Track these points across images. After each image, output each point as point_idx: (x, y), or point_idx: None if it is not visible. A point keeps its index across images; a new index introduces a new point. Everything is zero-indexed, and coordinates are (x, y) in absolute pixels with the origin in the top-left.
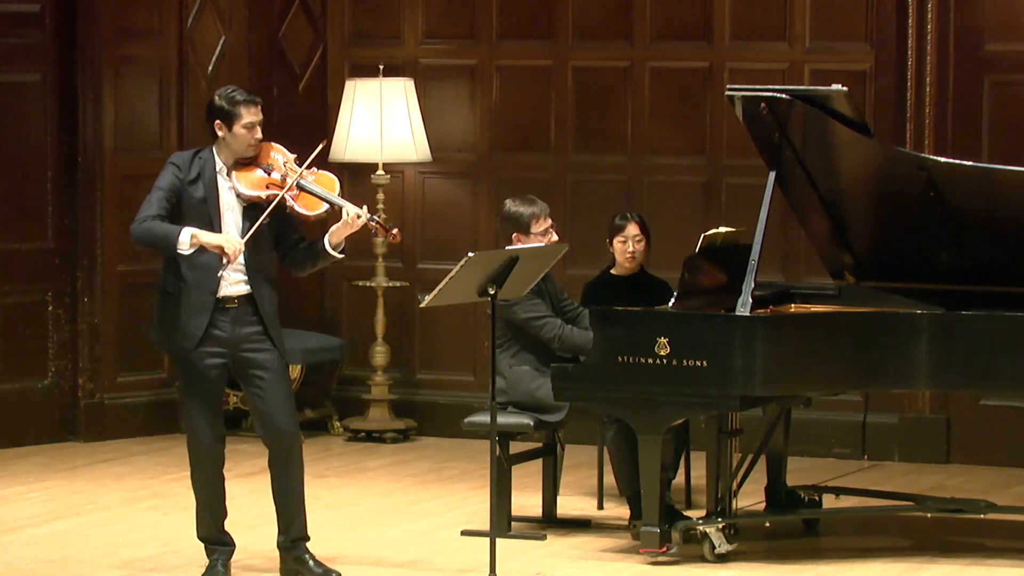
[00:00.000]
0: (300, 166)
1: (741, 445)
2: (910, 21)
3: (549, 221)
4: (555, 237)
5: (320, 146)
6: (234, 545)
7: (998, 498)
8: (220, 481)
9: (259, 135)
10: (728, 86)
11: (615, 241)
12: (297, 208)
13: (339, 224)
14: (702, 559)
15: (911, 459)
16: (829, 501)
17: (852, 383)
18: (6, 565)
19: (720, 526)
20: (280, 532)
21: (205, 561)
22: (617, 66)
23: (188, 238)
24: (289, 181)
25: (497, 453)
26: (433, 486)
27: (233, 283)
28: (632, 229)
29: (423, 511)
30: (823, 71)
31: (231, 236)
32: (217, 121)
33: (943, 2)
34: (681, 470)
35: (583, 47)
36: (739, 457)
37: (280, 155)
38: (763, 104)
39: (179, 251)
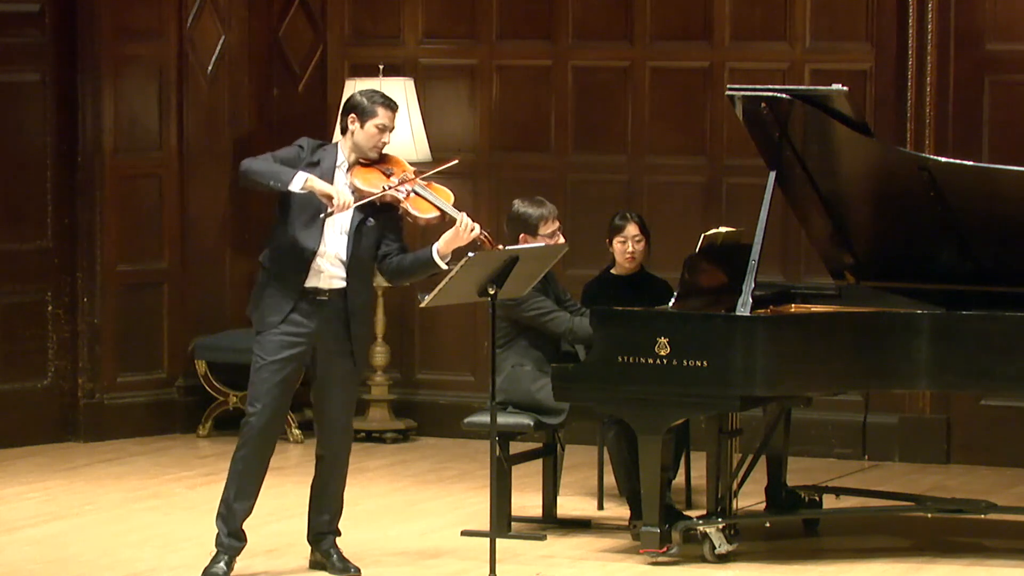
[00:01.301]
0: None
1: (741, 445)
2: (910, 21)
3: (557, 223)
4: (562, 239)
5: (453, 162)
6: (244, 543)
7: (998, 498)
8: (260, 471)
9: (387, 140)
10: (728, 86)
11: (615, 241)
12: (409, 208)
13: (451, 233)
14: (702, 559)
15: (911, 459)
16: (829, 501)
17: (852, 383)
18: (6, 565)
19: (720, 526)
20: (309, 525)
21: (204, 562)
22: (617, 66)
23: (303, 180)
24: (407, 184)
25: (497, 453)
26: (433, 486)
27: (329, 276)
28: (632, 229)
29: (423, 511)
30: (823, 71)
31: (344, 190)
32: (352, 115)
33: (943, 2)
34: (681, 470)
35: (583, 47)
36: (739, 457)
37: (403, 167)
38: (763, 104)
39: (291, 188)
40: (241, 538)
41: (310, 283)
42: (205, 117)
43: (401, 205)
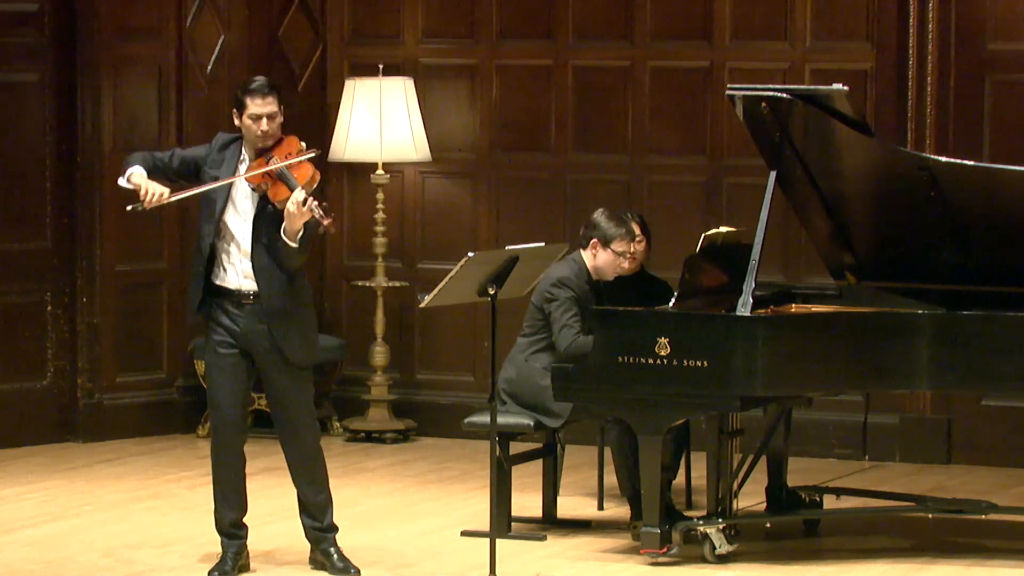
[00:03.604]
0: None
1: (742, 445)
2: (911, 20)
3: (630, 247)
4: (627, 264)
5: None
6: (244, 536)
7: (999, 498)
8: (233, 470)
9: (266, 127)
10: (728, 86)
11: None
12: (271, 196)
13: (287, 210)
14: (703, 560)
15: (912, 459)
16: (830, 502)
17: (853, 383)
18: (5, 565)
19: (721, 527)
20: (304, 528)
21: (204, 562)
22: (617, 66)
23: (127, 174)
24: (271, 170)
25: (497, 453)
26: (433, 486)
27: (245, 276)
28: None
29: (423, 511)
30: (824, 71)
31: (158, 185)
32: (233, 110)
33: (944, 1)
34: (681, 470)
35: (583, 47)
36: (740, 457)
37: (288, 149)
38: (764, 104)
39: (119, 181)
40: (238, 535)
41: (224, 281)
42: (205, 117)
43: (267, 193)
